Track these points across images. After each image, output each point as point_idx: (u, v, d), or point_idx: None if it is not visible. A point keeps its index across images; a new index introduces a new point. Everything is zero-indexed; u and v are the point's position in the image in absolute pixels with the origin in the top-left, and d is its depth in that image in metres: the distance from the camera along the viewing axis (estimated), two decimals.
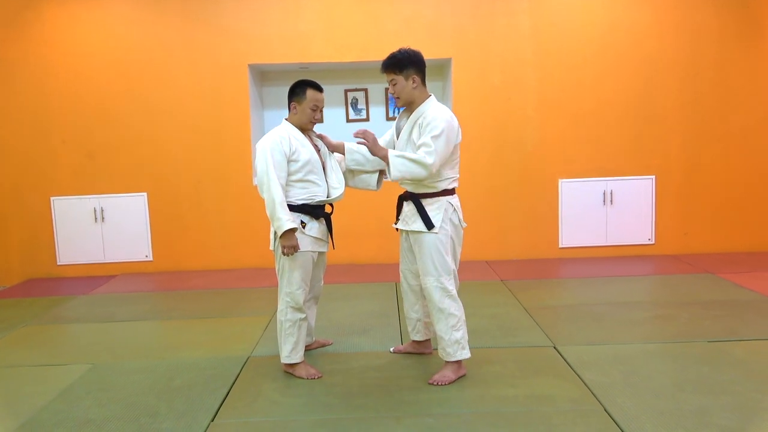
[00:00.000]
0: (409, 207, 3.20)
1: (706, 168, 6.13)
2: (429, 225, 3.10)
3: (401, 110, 3.34)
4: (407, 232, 3.26)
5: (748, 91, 6.05)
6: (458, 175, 3.25)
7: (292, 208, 3.20)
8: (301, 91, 3.27)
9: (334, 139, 3.46)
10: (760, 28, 5.99)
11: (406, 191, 3.25)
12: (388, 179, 3.23)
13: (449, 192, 3.19)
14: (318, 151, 3.34)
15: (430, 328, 3.52)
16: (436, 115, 3.07)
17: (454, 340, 3.14)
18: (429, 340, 3.59)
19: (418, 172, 3.02)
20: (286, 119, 3.35)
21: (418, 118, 3.13)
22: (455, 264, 3.22)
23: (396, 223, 3.33)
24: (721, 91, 6.05)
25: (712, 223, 6.19)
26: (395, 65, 3.12)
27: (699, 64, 6.02)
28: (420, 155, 3.01)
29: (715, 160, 6.12)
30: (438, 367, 3.28)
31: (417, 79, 3.14)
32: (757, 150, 6.12)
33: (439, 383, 3.14)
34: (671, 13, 5.97)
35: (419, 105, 3.16)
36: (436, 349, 3.34)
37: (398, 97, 3.17)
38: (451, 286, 3.15)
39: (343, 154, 3.42)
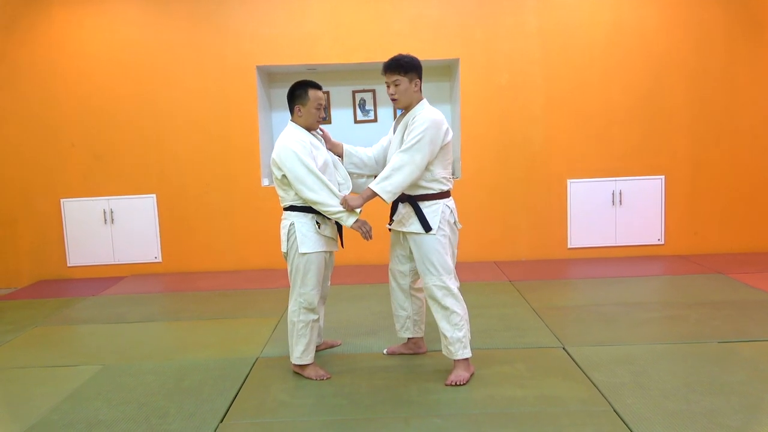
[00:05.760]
0: (405, 209, 3.21)
1: (715, 167, 6.10)
2: (427, 227, 3.12)
3: (399, 115, 3.34)
4: (403, 233, 3.28)
5: (756, 90, 6.01)
6: (451, 176, 3.27)
7: (307, 209, 3.22)
8: (303, 92, 3.26)
9: (336, 140, 3.49)
10: (766, 27, 5.97)
11: (403, 193, 3.26)
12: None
13: (445, 194, 3.21)
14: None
15: (420, 325, 3.55)
16: (423, 113, 3.11)
17: (457, 339, 3.16)
18: (422, 338, 3.60)
19: (407, 172, 3.03)
20: (291, 121, 3.33)
21: (408, 120, 3.16)
22: (453, 264, 3.24)
23: (390, 224, 3.33)
24: (728, 89, 6.02)
25: (722, 223, 6.16)
26: (401, 67, 3.13)
27: (706, 62, 5.99)
28: (395, 159, 3.05)
29: (724, 159, 6.09)
30: (446, 366, 3.29)
31: (419, 83, 3.17)
32: (766, 148, 6.08)
33: (456, 383, 3.14)
34: (678, 12, 5.95)
35: (413, 108, 3.19)
36: (437, 350, 3.34)
37: (397, 99, 3.16)
38: (453, 285, 3.17)
39: (341, 154, 3.44)
